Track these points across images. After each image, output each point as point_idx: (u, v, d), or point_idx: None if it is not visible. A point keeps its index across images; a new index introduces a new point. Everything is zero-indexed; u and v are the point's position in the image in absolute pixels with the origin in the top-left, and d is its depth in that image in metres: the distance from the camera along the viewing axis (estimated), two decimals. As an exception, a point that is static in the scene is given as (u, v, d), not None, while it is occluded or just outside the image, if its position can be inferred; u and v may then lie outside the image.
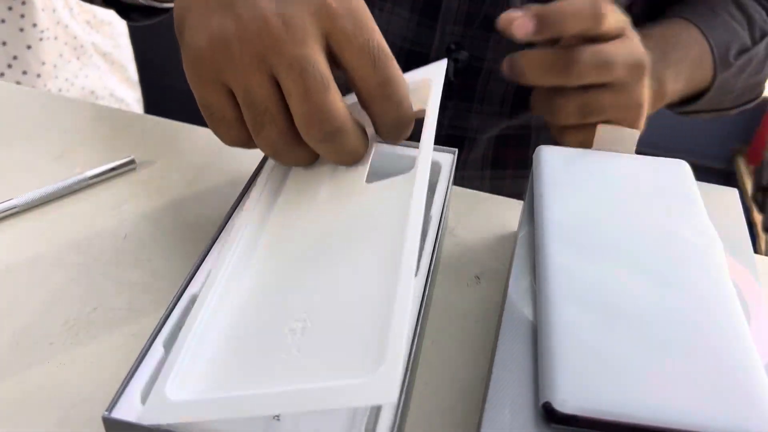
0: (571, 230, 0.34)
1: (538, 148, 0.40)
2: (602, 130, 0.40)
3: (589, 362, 0.27)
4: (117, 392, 0.28)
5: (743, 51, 0.59)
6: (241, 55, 0.32)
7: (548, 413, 0.26)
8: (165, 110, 0.60)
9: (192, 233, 0.44)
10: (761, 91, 0.67)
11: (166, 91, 1.10)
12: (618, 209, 0.35)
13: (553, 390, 0.26)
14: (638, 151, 0.41)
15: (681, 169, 0.39)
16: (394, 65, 0.34)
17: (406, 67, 0.56)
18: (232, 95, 0.34)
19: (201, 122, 0.58)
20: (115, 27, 0.97)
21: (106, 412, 0.27)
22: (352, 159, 0.35)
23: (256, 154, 0.57)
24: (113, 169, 0.49)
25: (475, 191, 0.51)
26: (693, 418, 0.25)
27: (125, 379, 0.28)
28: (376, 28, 0.34)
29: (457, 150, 0.42)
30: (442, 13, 0.55)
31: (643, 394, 0.26)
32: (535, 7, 0.38)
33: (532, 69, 0.40)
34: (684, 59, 0.55)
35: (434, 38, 0.57)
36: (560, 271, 0.31)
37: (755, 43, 0.60)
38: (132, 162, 0.50)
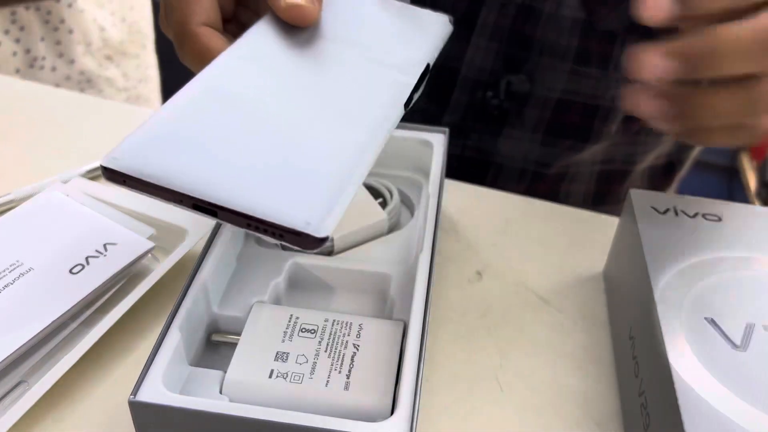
0: (256, 46, 0.31)
1: None
2: None
3: (170, 133, 0.26)
4: (140, 376, 0.28)
5: None
6: None
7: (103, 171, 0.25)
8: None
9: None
10: None
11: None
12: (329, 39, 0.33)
13: (113, 150, 0.25)
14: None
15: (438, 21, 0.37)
16: None
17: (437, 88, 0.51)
18: None
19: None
20: (143, 60, 0.97)
21: (132, 396, 0.27)
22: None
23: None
24: (111, 163, 0.49)
25: (475, 186, 0.50)
26: (236, 195, 0.24)
27: (146, 363, 0.29)
28: None
29: (447, 130, 0.43)
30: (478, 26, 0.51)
31: (202, 169, 0.24)
32: None
33: (673, 58, 0.28)
34: None
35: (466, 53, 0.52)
36: (220, 67, 0.29)
37: None
38: (130, 157, 0.50)
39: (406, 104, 0.31)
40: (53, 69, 0.86)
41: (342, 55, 0.32)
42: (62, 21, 0.84)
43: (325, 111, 0.29)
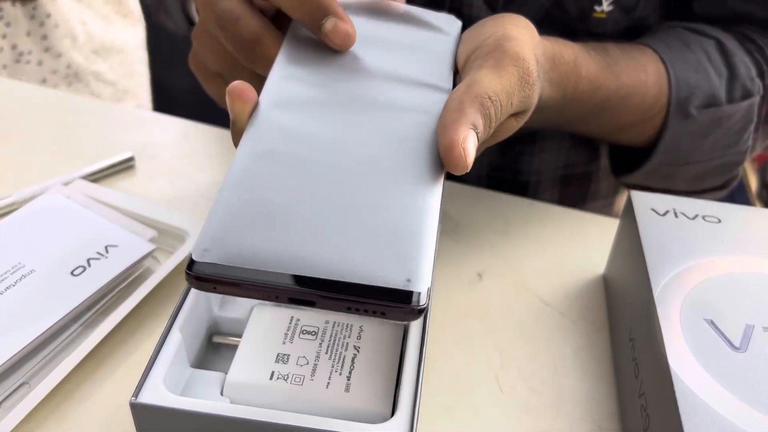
0: (291, 88, 0.30)
1: None
2: None
3: (244, 212, 0.25)
4: (141, 377, 0.28)
5: (711, 105, 0.46)
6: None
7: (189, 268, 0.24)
8: (173, 109, 0.60)
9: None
10: (734, 177, 0.50)
11: (176, 89, 1.09)
12: (358, 63, 0.32)
13: (195, 249, 0.24)
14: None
15: (450, 22, 0.36)
16: None
17: None
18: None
19: (202, 119, 0.58)
20: (128, 55, 0.98)
21: (133, 398, 0.27)
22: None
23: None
24: (111, 166, 0.49)
25: (475, 188, 0.50)
26: (333, 266, 0.24)
27: (148, 365, 0.29)
28: None
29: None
30: None
31: (290, 244, 0.24)
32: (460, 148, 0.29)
33: None
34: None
35: None
36: (262, 125, 0.29)
37: (732, 101, 0.46)
38: (130, 159, 0.50)
39: None
40: (39, 63, 0.86)
41: (376, 84, 0.31)
42: (48, 15, 0.84)
43: (378, 158, 0.28)
